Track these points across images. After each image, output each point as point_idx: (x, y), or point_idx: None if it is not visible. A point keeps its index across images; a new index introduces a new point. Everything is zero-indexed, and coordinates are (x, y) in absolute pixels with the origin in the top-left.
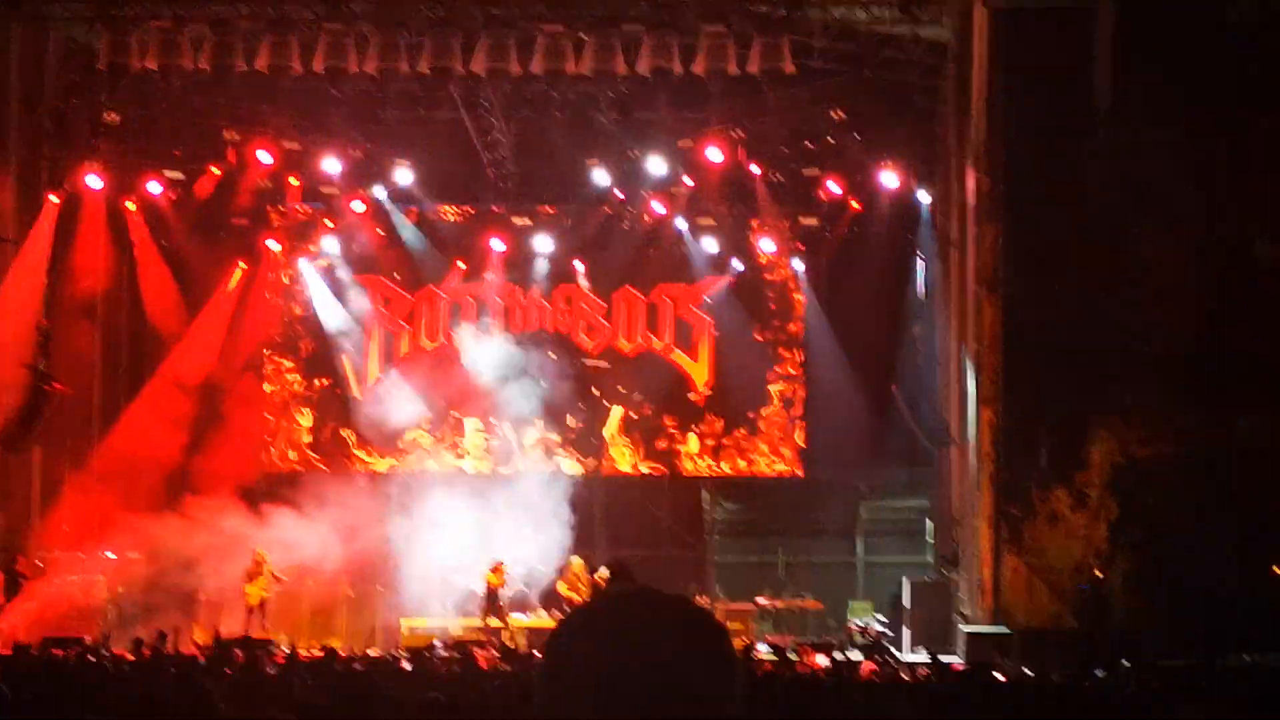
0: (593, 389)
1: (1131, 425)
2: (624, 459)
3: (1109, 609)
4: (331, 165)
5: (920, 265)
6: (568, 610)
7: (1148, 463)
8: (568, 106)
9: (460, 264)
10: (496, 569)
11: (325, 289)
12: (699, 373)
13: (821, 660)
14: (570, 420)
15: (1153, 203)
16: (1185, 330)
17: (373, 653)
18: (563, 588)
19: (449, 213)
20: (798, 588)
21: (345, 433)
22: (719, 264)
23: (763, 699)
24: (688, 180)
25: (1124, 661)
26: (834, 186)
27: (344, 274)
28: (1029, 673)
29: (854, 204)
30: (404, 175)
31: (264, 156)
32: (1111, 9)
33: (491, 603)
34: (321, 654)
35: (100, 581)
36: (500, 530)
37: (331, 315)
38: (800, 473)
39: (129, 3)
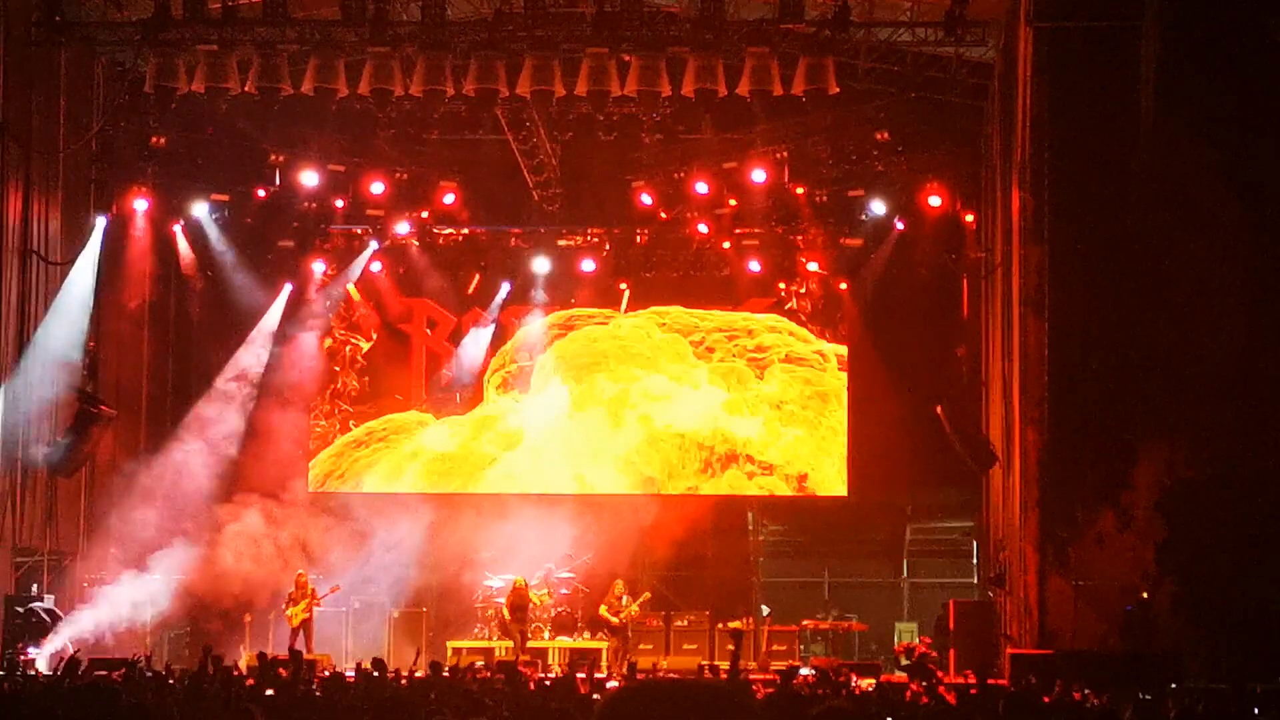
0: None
1: (1178, 446)
2: (670, 481)
3: (1156, 631)
4: (377, 187)
5: (964, 285)
6: (607, 632)
7: (1194, 484)
8: (612, 128)
9: (506, 285)
10: (517, 587)
11: (370, 311)
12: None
13: (866, 682)
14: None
15: (1199, 221)
16: (1232, 350)
17: (418, 673)
18: (604, 610)
19: (494, 234)
20: (843, 609)
21: (389, 452)
22: (764, 285)
23: None
24: (732, 201)
25: (1171, 684)
26: (879, 206)
27: (389, 296)
28: (1075, 695)
29: (899, 224)
30: (449, 197)
31: (309, 179)
32: (1156, 27)
33: (517, 621)
34: (366, 674)
35: (147, 603)
36: (544, 552)
37: (377, 337)
38: (844, 494)
39: (176, 26)
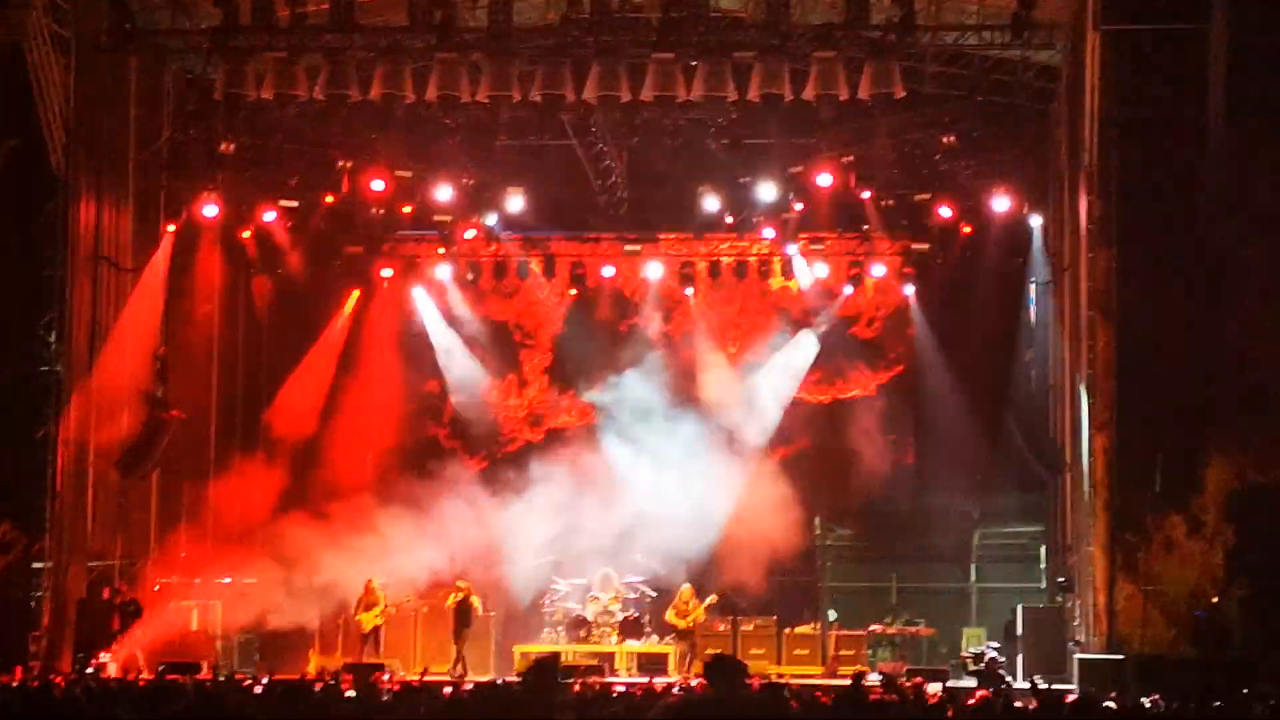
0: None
1: (1247, 451)
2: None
3: (1226, 636)
4: (444, 193)
5: (1032, 290)
6: (675, 636)
7: (1264, 488)
8: (678, 133)
9: (572, 291)
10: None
11: (438, 315)
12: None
13: (934, 688)
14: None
15: (1267, 225)
16: None
17: (486, 678)
18: (671, 615)
19: (560, 240)
20: (910, 614)
21: (459, 459)
22: (830, 289)
23: None
24: (798, 206)
25: (1243, 690)
26: (945, 211)
27: (456, 301)
28: (1145, 702)
29: (965, 228)
30: (515, 202)
31: (377, 185)
32: (1224, 31)
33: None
34: (435, 680)
35: (217, 607)
36: (610, 554)
37: (444, 342)
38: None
39: (244, 34)
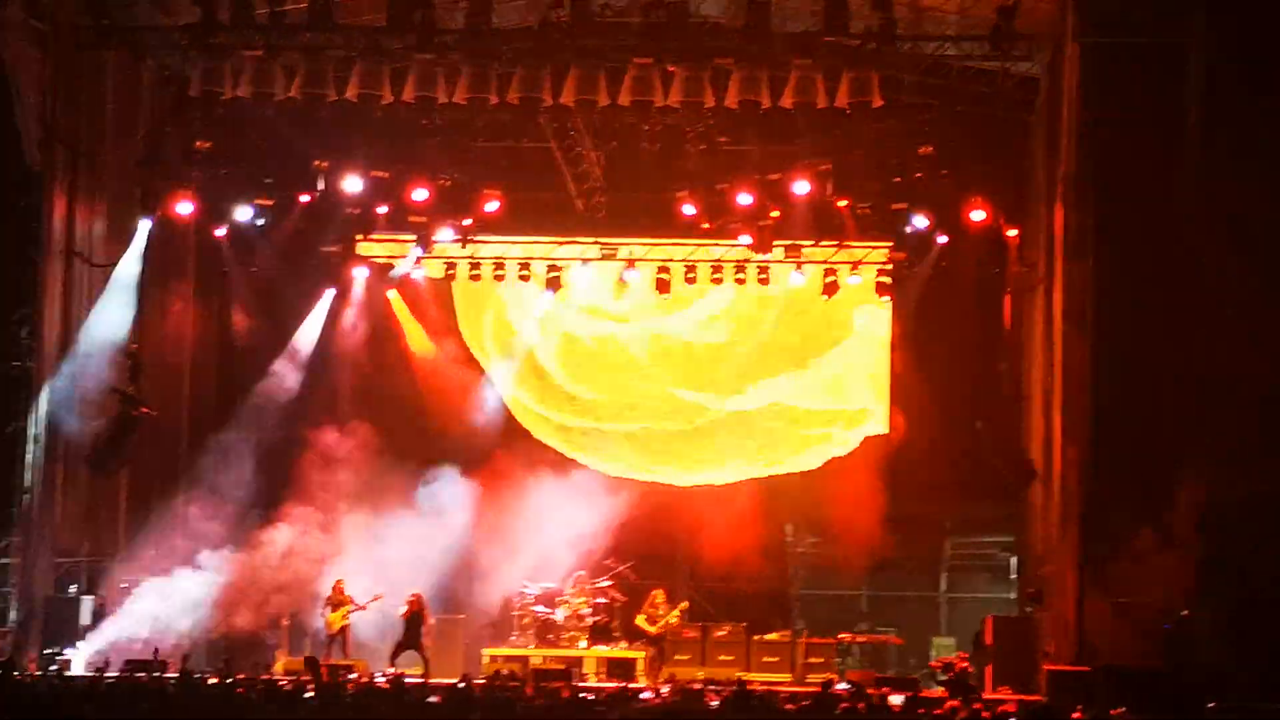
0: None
1: (1220, 464)
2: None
3: (1195, 650)
4: (420, 194)
5: (1008, 300)
6: (644, 642)
7: (1236, 503)
8: (656, 138)
9: (548, 293)
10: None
11: (412, 317)
12: None
13: (896, 699)
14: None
15: (1244, 240)
16: (1276, 369)
17: (450, 682)
18: (642, 620)
19: (537, 243)
20: (880, 623)
21: (432, 463)
22: (806, 296)
23: None
24: (775, 213)
25: (1209, 704)
26: (922, 220)
27: (430, 302)
28: (1112, 713)
29: (941, 238)
30: (492, 204)
31: (353, 185)
32: (1203, 44)
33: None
34: (399, 682)
35: (185, 605)
36: (580, 557)
37: (418, 343)
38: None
39: (223, 31)
